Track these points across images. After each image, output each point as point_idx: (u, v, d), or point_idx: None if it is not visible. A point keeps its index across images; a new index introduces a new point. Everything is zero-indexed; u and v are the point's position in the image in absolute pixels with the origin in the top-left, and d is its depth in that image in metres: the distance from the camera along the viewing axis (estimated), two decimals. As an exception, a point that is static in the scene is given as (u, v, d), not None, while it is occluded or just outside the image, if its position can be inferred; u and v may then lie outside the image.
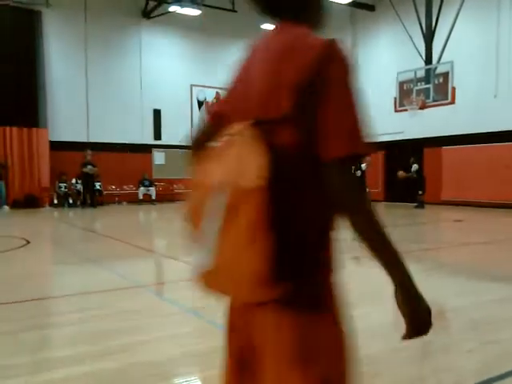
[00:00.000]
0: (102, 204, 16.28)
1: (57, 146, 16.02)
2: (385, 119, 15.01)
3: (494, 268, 5.55)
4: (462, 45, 14.71)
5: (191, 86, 19.22)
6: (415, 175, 14.61)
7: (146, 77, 18.09)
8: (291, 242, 0.93)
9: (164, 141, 18.53)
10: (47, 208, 15.50)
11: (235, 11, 17.83)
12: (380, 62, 17.66)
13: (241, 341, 1.08)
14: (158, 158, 18.59)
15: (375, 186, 16.92)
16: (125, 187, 17.70)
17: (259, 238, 0.89)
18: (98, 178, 16.25)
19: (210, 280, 0.98)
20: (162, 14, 17.54)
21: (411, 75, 14.99)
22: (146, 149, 18.20)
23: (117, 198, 17.49)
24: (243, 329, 1.06)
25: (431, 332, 0.98)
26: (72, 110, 16.57)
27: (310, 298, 0.97)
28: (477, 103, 14.54)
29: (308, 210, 0.96)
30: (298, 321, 0.97)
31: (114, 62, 17.52)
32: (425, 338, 0.99)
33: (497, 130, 14.00)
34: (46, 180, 15.87)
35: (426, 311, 0.97)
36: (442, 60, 14.35)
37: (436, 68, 14.25)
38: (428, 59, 14.65)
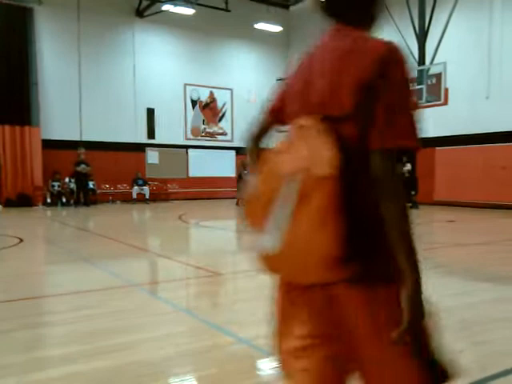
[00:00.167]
0: (95, 203, 16.22)
1: (49, 145, 15.93)
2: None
3: (487, 268, 5.59)
4: (455, 46, 14.80)
5: (185, 85, 19.19)
6: (408, 175, 14.65)
7: (140, 75, 18.03)
8: (359, 225, 1.01)
9: (157, 140, 18.50)
10: (40, 207, 15.42)
11: (228, 11, 17.83)
12: (374, 63, 17.69)
13: (303, 315, 1.15)
14: (152, 157, 18.55)
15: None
16: (118, 186, 17.64)
17: (331, 222, 0.96)
18: (92, 176, 16.17)
19: (275, 262, 1.05)
20: (156, 13, 17.52)
21: (404, 76, 15.01)
22: (139, 148, 18.15)
23: (110, 197, 17.43)
24: (307, 305, 1.13)
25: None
26: (65, 109, 16.48)
27: (383, 274, 1.05)
28: (469, 104, 14.64)
29: (371, 196, 1.02)
30: (379, 294, 1.05)
31: (107, 61, 17.45)
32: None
33: (489, 132, 14.10)
34: (38, 179, 15.77)
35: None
36: (435, 61, 14.42)
37: (429, 69, 14.29)
38: (421, 60, 14.71)
